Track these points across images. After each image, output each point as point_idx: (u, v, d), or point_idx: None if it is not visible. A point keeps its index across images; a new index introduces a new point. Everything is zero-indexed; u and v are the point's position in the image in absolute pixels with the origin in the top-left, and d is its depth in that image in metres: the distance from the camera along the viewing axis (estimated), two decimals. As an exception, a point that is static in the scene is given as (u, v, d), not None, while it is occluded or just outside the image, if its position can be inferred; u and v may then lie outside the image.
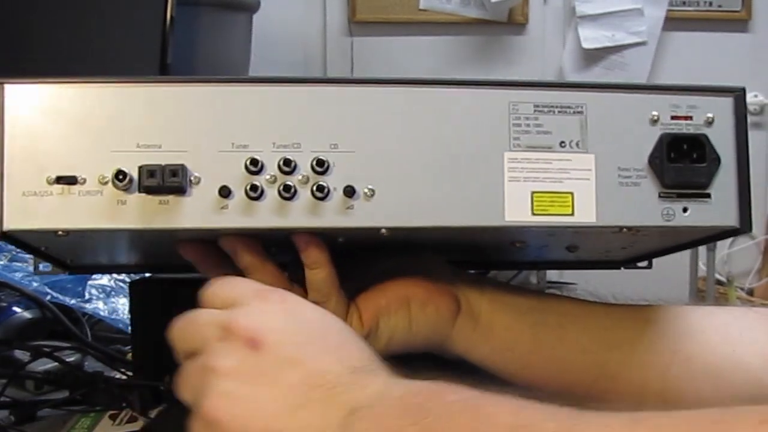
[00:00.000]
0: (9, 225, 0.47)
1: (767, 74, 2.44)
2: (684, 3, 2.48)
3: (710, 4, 2.48)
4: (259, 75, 0.50)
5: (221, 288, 0.49)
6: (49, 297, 0.89)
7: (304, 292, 0.55)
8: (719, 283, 2.19)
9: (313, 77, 0.48)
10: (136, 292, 0.72)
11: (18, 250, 1.04)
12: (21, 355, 0.76)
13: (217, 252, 0.54)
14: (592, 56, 2.48)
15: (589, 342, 0.59)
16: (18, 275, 0.92)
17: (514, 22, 2.50)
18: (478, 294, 0.59)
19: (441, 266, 0.60)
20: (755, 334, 0.59)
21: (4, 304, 0.87)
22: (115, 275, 0.98)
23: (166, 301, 0.70)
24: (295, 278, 0.55)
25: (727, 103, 0.52)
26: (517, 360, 0.59)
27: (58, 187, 0.47)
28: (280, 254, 0.54)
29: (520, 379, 0.61)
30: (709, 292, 1.96)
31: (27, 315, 0.86)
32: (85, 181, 0.47)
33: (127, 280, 0.96)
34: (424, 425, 0.39)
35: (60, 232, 0.47)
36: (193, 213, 0.48)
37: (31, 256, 0.62)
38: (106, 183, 0.47)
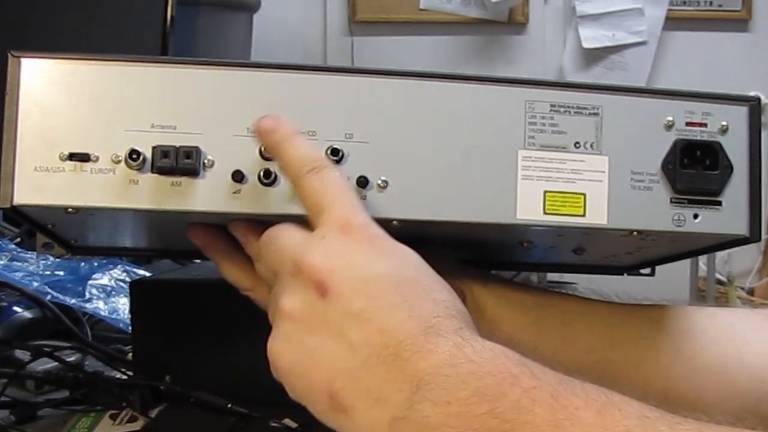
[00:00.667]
0: (19, 199, 0.47)
1: (767, 74, 2.44)
2: (684, 3, 2.48)
3: (710, 3, 2.48)
4: (278, 61, 0.49)
5: (310, 197, 0.46)
6: (49, 297, 0.88)
7: None
8: (720, 282, 2.19)
9: (332, 66, 0.48)
10: (136, 292, 0.72)
11: (19, 249, 1.04)
12: (21, 354, 0.76)
13: (226, 237, 0.54)
14: (593, 56, 2.48)
15: (592, 340, 0.59)
16: (18, 275, 0.92)
17: (515, 22, 2.50)
18: (483, 289, 0.59)
19: (447, 260, 0.60)
20: (759, 335, 0.59)
21: (5, 304, 0.87)
22: (115, 275, 0.98)
23: (166, 302, 0.71)
24: None
25: (742, 111, 0.51)
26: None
27: (70, 164, 0.47)
28: None
29: None
30: (710, 291, 1.96)
31: (27, 315, 0.86)
32: (97, 159, 0.47)
33: (128, 280, 0.96)
34: (499, 414, 0.37)
35: (70, 209, 0.47)
36: (205, 196, 0.48)
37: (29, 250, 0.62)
38: (119, 162, 0.47)
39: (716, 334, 0.59)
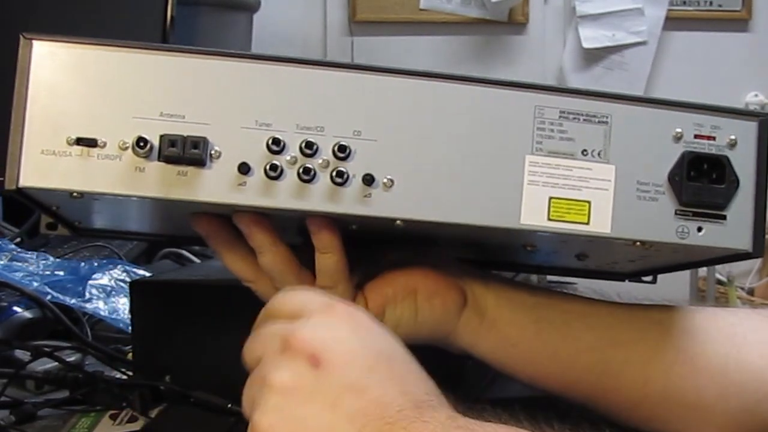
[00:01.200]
0: (25, 182, 0.47)
1: (767, 74, 2.44)
2: (684, 3, 2.48)
3: (710, 3, 2.48)
4: (289, 55, 0.50)
5: (288, 297, 0.48)
6: (49, 297, 0.88)
7: (312, 277, 0.55)
8: (719, 282, 2.19)
9: (343, 62, 0.48)
10: (136, 292, 0.72)
11: (19, 249, 1.04)
12: (21, 354, 0.76)
13: (229, 228, 0.54)
14: (593, 56, 2.48)
15: (593, 339, 0.59)
16: (18, 275, 0.92)
17: (515, 22, 2.50)
18: (484, 288, 0.59)
19: (449, 260, 0.60)
20: (760, 335, 0.59)
21: (5, 304, 0.87)
22: (115, 275, 0.98)
23: (166, 302, 0.71)
24: (304, 262, 0.55)
25: (751, 127, 0.51)
26: (520, 355, 0.60)
27: (77, 149, 0.47)
28: (290, 237, 0.54)
29: (523, 375, 0.61)
30: (710, 291, 1.96)
31: (27, 315, 0.86)
32: (105, 144, 0.47)
33: (128, 280, 0.96)
34: None
35: (75, 194, 0.47)
36: (210, 186, 0.48)
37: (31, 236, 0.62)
38: (126, 149, 0.47)
39: (717, 335, 0.59)
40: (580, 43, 2.46)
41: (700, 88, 2.30)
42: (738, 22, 2.49)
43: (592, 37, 2.46)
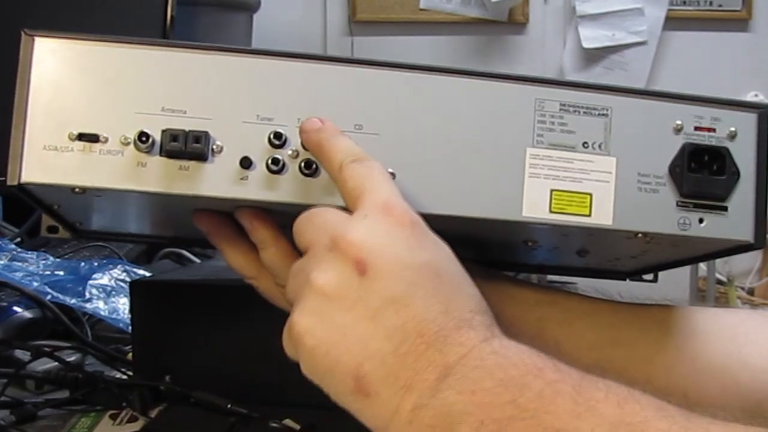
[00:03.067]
0: (26, 177, 0.47)
1: (767, 74, 2.44)
2: (684, 2, 2.48)
3: (710, 3, 2.48)
4: (290, 50, 0.50)
5: (352, 181, 0.46)
6: (49, 297, 0.88)
7: None
8: (720, 282, 2.19)
9: (344, 57, 0.48)
10: (136, 292, 0.72)
11: (19, 249, 1.04)
12: (21, 354, 0.76)
13: (231, 225, 0.54)
14: (593, 56, 2.48)
15: (594, 338, 0.59)
16: (18, 275, 0.92)
17: (515, 22, 2.50)
18: (486, 285, 0.59)
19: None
20: (761, 336, 0.59)
21: (5, 304, 0.87)
22: (115, 275, 0.98)
23: (166, 302, 0.71)
24: None
25: (751, 118, 0.51)
26: None
27: (79, 144, 0.47)
28: (291, 237, 0.54)
29: None
30: (710, 291, 1.96)
31: (27, 315, 0.86)
32: (107, 140, 0.47)
33: (128, 280, 0.96)
34: (521, 404, 0.37)
35: (77, 189, 0.47)
36: (212, 181, 0.48)
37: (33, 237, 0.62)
38: (128, 144, 0.47)
39: (718, 335, 0.59)
40: (580, 43, 2.46)
41: (700, 88, 2.28)
42: (738, 22, 2.49)
43: (592, 37, 2.46)
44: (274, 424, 0.64)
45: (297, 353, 0.44)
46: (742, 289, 2.36)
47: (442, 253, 0.45)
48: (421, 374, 0.40)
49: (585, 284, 0.68)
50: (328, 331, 0.41)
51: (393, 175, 0.49)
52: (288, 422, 0.64)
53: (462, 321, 0.42)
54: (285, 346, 0.44)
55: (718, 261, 2.10)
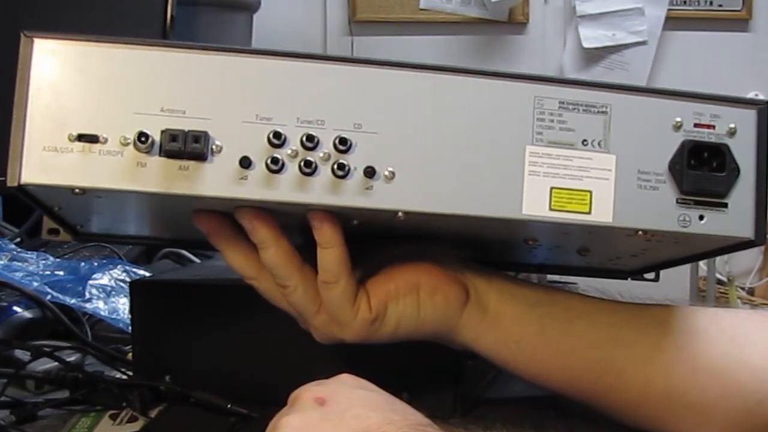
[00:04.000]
0: (26, 178, 0.47)
1: (767, 74, 2.44)
2: (684, 2, 2.48)
3: (710, 3, 2.48)
4: (290, 50, 0.50)
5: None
6: (49, 297, 0.88)
7: (314, 273, 0.55)
8: (720, 282, 2.19)
9: (342, 56, 0.48)
10: (136, 292, 0.72)
11: (19, 249, 1.04)
12: (21, 354, 0.76)
13: (231, 225, 0.54)
14: (593, 56, 2.48)
15: (595, 337, 0.59)
16: (18, 275, 0.92)
17: (515, 22, 2.50)
18: (486, 284, 0.59)
19: (451, 255, 0.60)
20: (762, 336, 0.59)
21: (5, 304, 0.87)
22: (115, 275, 0.98)
23: (166, 302, 0.71)
24: (306, 260, 0.55)
25: (750, 115, 0.51)
26: (523, 352, 0.59)
27: (78, 145, 0.47)
28: (291, 238, 0.54)
29: (526, 372, 0.61)
30: (710, 291, 1.96)
31: (27, 315, 0.86)
32: (106, 140, 0.47)
33: (128, 280, 0.96)
34: None
35: (77, 190, 0.47)
36: (212, 181, 0.48)
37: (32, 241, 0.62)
38: (128, 144, 0.47)
39: (719, 335, 0.59)
40: (580, 43, 2.46)
41: (700, 88, 2.28)
42: (738, 22, 2.49)
43: (592, 36, 2.46)
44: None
45: None
46: (743, 289, 2.36)
47: (391, 396, 0.49)
48: None
49: (585, 284, 0.68)
50: None
51: (393, 174, 0.49)
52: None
53: (418, 425, 0.44)
54: None
55: (718, 261, 2.10)
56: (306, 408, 0.46)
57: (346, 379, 0.49)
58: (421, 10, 2.49)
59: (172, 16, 1.24)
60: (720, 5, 2.48)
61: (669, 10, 2.46)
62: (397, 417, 0.44)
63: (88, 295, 0.92)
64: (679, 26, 2.48)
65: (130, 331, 0.79)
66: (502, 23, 2.49)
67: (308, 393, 0.47)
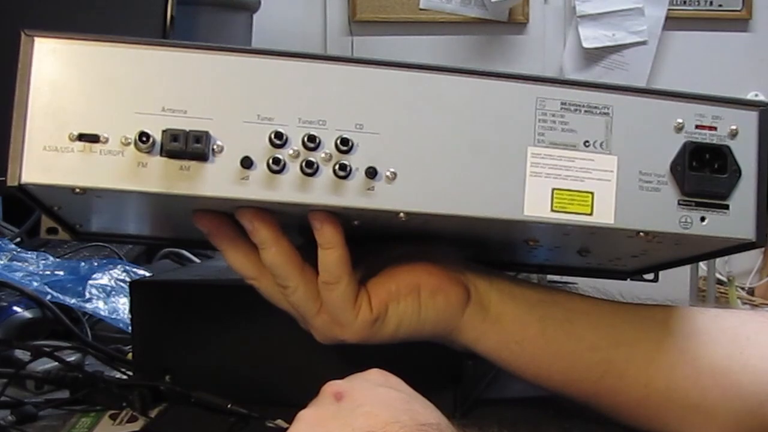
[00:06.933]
0: (27, 178, 0.47)
1: (767, 74, 2.44)
2: (684, 2, 2.48)
3: (711, 3, 2.48)
4: (290, 50, 0.50)
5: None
6: (49, 297, 0.88)
7: (315, 273, 0.55)
8: (720, 282, 2.19)
9: (344, 56, 0.48)
10: (136, 292, 0.72)
11: (19, 249, 1.04)
12: (21, 354, 0.76)
13: (232, 225, 0.54)
14: (593, 56, 2.48)
15: (596, 338, 0.59)
16: (18, 275, 0.92)
17: (515, 22, 2.50)
18: (487, 285, 0.59)
19: (452, 256, 0.60)
20: (763, 337, 0.59)
21: (5, 304, 0.87)
22: (115, 275, 0.98)
23: (166, 302, 0.71)
24: (307, 260, 0.55)
25: (752, 116, 0.51)
26: (524, 353, 0.59)
27: (79, 144, 0.47)
28: (292, 238, 0.54)
29: (527, 373, 0.61)
30: (710, 291, 1.96)
31: (27, 315, 0.86)
32: (107, 140, 0.47)
33: (128, 280, 0.96)
34: None
35: (77, 190, 0.47)
36: (213, 181, 0.48)
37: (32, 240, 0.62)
38: (129, 144, 0.47)
39: (720, 336, 0.59)
40: (580, 43, 2.46)
41: (700, 88, 2.28)
42: (738, 22, 2.49)
43: (592, 36, 2.45)
44: (270, 425, 0.63)
45: None
46: (743, 289, 2.36)
47: (412, 393, 0.49)
48: None
49: (586, 284, 0.68)
50: None
51: (394, 174, 0.49)
52: (279, 422, 0.63)
53: (426, 425, 0.45)
54: None
55: (718, 261, 2.10)
56: (324, 403, 0.47)
57: (372, 375, 0.50)
58: (421, 10, 2.49)
59: (172, 16, 1.24)
60: (720, 5, 2.48)
61: (669, 10, 2.46)
62: (405, 417, 0.44)
63: (88, 295, 0.92)
64: (679, 26, 2.48)
65: (130, 331, 0.79)
66: (502, 23, 2.49)
67: (330, 388, 0.48)
